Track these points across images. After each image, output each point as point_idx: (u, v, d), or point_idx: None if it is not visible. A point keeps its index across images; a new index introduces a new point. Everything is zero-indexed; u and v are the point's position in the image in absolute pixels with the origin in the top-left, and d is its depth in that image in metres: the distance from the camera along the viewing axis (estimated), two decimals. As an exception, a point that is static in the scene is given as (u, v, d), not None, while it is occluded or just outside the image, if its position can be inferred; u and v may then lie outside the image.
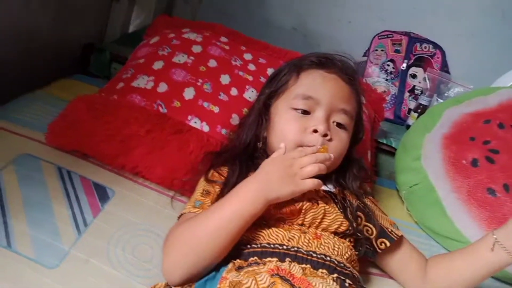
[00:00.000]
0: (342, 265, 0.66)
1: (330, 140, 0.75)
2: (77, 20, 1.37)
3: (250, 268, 0.61)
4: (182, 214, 0.72)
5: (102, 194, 0.81)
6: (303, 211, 0.69)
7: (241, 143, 0.82)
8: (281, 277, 0.58)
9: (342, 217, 0.70)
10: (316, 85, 0.78)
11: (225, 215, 0.62)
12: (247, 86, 1.00)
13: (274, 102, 0.82)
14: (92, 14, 1.48)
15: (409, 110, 1.54)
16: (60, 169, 0.84)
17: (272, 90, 0.83)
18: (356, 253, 0.72)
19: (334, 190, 0.77)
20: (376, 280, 0.80)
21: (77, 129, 0.87)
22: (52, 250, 0.68)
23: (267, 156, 0.80)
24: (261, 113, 0.82)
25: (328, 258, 0.65)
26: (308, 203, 0.69)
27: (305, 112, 0.76)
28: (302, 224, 0.70)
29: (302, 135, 0.74)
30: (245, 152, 0.80)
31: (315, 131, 0.74)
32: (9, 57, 1.13)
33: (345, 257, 0.68)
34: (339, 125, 0.77)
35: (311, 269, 0.63)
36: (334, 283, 0.61)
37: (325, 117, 0.75)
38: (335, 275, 0.63)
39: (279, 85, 0.82)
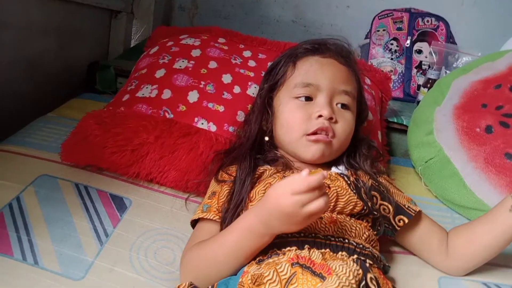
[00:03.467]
0: (361, 246, 0.65)
1: (335, 122, 0.76)
2: (79, 40, 1.41)
3: (270, 260, 0.61)
4: (195, 221, 0.73)
5: (119, 204, 0.83)
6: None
7: (248, 139, 0.83)
8: (302, 266, 0.58)
9: (355, 197, 0.70)
10: (313, 71, 0.78)
11: (233, 246, 0.62)
12: (249, 83, 1.00)
13: (276, 95, 0.82)
14: (93, 33, 1.52)
15: (419, 86, 1.52)
16: (77, 185, 0.86)
17: (271, 84, 0.83)
18: (375, 233, 0.72)
19: (345, 171, 0.77)
20: (399, 257, 0.79)
21: (89, 144, 0.89)
22: (77, 262, 0.69)
23: (275, 148, 0.81)
24: (264, 107, 0.83)
25: (347, 241, 0.65)
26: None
27: (308, 99, 0.76)
28: (317, 210, 0.69)
29: (307, 122, 0.75)
30: (252, 148, 0.81)
31: (320, 116, 0.74)
32: (18, 84, 1.16)
33: (363, 237, 0.68)
34: (342, 106, 0.78)
35: (331, 253, 0.62)
36: (355, 264, 0.60)
37: (327, 101, 0.76)
38: (355, 256, 0.63)
39: (277, 78, 0.82)
